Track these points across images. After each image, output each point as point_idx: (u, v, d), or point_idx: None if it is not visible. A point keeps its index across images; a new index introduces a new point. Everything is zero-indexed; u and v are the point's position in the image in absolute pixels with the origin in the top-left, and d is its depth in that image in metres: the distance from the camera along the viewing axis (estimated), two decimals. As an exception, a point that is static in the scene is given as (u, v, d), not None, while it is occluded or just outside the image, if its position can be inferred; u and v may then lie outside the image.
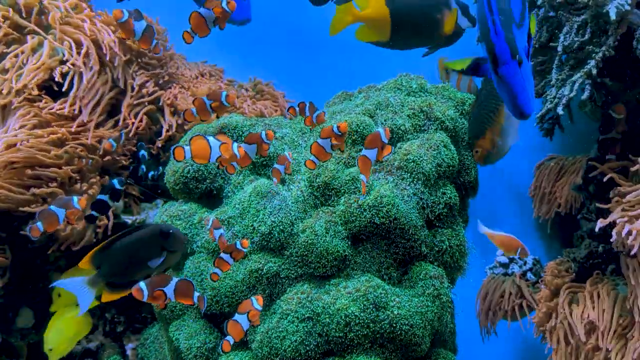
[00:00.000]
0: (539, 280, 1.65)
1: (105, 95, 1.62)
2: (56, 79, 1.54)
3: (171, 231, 1.08)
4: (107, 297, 1.04)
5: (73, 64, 1.55)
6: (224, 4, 1.06)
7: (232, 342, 1.00)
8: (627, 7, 1.23)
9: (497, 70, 0.90)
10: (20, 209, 1.43)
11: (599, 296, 1.29)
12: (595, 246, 1.49)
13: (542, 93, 1.48)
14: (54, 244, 1.47)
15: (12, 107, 1.53)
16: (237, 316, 1.01)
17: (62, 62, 1.57)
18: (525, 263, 1.70)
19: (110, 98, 1.64)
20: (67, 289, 1.03)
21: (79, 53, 1.57)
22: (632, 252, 1.19)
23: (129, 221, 1.59)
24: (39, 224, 1.09)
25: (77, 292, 1.03)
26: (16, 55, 1.56)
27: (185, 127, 1.66)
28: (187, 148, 0.99)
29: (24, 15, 1.64)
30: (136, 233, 1.07)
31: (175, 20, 1.74)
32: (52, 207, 1.10)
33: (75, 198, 1.11)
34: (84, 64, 1.57)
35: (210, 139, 1.01)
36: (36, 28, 1.61)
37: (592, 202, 1.53)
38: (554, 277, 1.46)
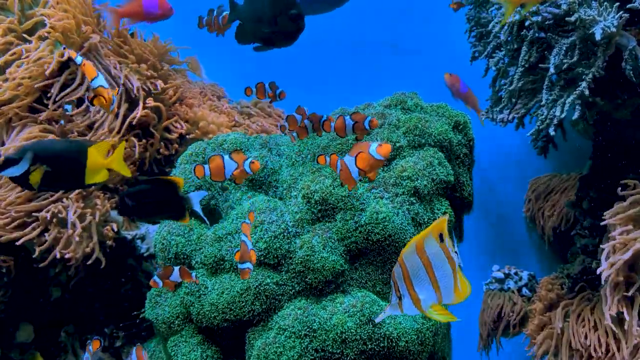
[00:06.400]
0: (534, 296, 1.66)
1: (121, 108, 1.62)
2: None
3: None
4: None
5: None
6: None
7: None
8: (613, 29, 1.25)
9: None
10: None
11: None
12: (589, 262, 1.51)
13: (533, 113, 1.50)
14: (58, 262, 1.48)
15: (12, 108, 1.53)
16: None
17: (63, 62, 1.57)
18: (520, 279, 1.71)
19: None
20: None
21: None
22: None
23: (129, 236, 1.60)
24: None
25: None
26: (19, 65, 1.57)
27: (188, 137, 1.68)
28: (206, 167, 1.10)
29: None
30: None
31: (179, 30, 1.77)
32: None
33: None
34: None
35: (225, 157, 1.11)
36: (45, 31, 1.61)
37: (585, 218, 1.55)
38: (547, 292, 1.47)
